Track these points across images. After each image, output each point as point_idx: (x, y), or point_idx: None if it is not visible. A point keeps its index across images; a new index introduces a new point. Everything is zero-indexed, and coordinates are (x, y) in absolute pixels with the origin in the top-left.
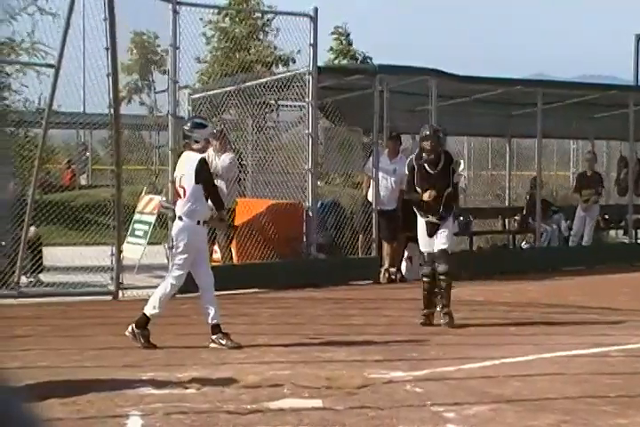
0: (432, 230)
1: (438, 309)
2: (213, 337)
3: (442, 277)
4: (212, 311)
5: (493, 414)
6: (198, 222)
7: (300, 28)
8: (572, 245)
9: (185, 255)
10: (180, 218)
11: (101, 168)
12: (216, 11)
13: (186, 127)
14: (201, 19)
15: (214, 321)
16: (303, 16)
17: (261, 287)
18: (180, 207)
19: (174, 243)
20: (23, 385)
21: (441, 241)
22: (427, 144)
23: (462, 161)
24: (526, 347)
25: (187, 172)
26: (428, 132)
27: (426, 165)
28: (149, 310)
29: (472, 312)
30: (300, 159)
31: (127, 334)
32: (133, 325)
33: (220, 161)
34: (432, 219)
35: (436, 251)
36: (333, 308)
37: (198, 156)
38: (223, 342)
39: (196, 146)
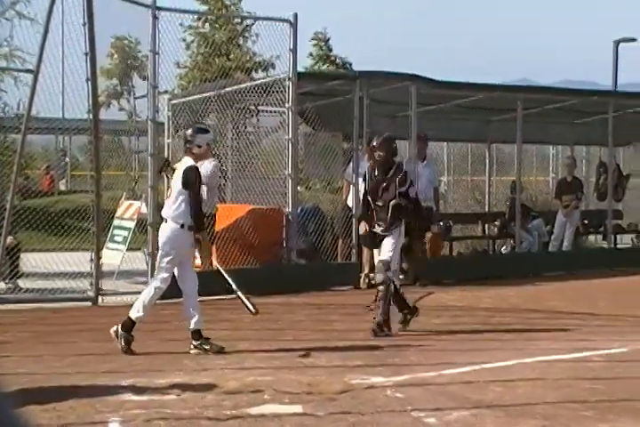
0: (378, 242)
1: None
2: (195, 343)
3: (379, 287)
4: (195, 317)
5: (474, 420)
6: (182, 226)
7: (279, 34)
8: (552, 249)
9: (169, 257)
10: (166, 221)
11: (81, 173)
12: (196, 16)
13: (188, 132)
14: (181, 24)
15: (196, 327)
16: (283, 22)
17: (242, 293)
18: (166, 210)
19: (159, 246)
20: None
21: (384, 251)
22: (377, 154)
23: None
24: (507, 352)
25: (177, 175)
26: (375, 143)
27: (375, 175)
28: (134, 313)
29: (453, 318)
30: (281, 165)
31: (111, 332)
32: (119, 326)
33: (202, 168)
34: (378, 230)
35: (377, 260)
36: (314, 313)
37: (192, 162)
38: (207, 347)
39: (197, 151)
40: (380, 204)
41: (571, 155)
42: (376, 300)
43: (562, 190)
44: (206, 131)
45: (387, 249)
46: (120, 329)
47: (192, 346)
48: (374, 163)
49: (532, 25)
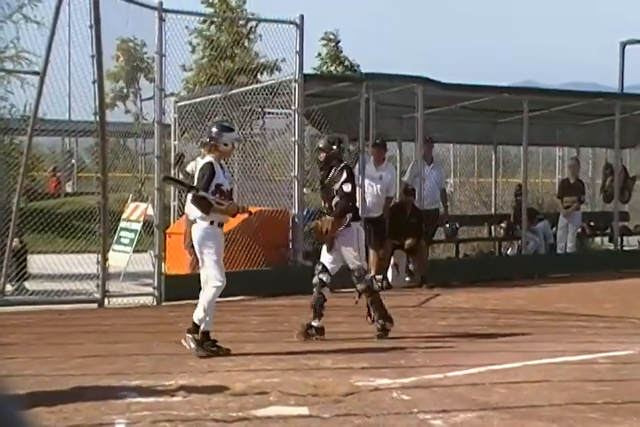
0: (330, 244)
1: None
2: (189, 336)
3: (365, 294)
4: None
5: (480, 422)
6: (212, 223)
7: (285, 35)
8: (559, 252)
9: (212, 254)
10: (195, 221)
11: (87, 175)
12: (201, 19)
13: (214, 130)
14: (186, 27)
15: (202, 326)
16: (289, 24)
17: (248, 295)
18: (191, 211)
19: (197, 248)
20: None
21: (350, 260)
22: (321, 156)
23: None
24: (513, 354)
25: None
26: (320, 145)
27: (321, 176)
28: (196, 318)
29: (459, 319)
30: (287, 167)
31: (184, 344)
32: (187, 334)
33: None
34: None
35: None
36: None
37: (208, 159)
38: (192, 345)
39: (223, 148)
40: (327, 205)
41: (575, 157)
42: (369, 310)
43: (564, 191)
44: (232, 129)
45: (351, 258)
46: (189, 335)
47: (189, 340)
48: (319, 165)
49: (536, 26)
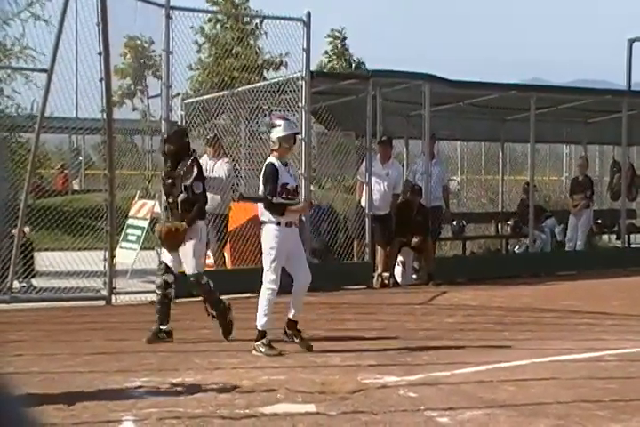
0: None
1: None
2: (257, 344)
3: (203, 298)
4: (292, 312)
5: (487, 419)
6: (279, 224)
7: (292, 32)
8: (566, 249)
9: (270, 257)
10: (263, 222)
11: (94, 173)
12: (207, 19)
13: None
14: (192, 27)
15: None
16: (296, 21)
17: (255, 292)
18: (260, 212)
19: (263, 247)
20: (19, 390)
21: (187, 264)
22: (166, 147)
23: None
24: (520, 352)
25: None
26: (168, 135)
27: (166, 169)
28: (260, 322)
29: (466, 317)
30: (294, 164)
31: (255, 352)
32: (255, 343)
33: (217, 168)
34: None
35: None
36: (327, 313)
37: (269, 160)
38: (262, 350)
39: (277, 147)
40: (170, 200)
41: (584, 155)
42: (160, 304)
43: (574, 190)
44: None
45: (188, 262)
46: (259, 342)
47: (258, 347)
48: (164, 156)
49: (544, 23)
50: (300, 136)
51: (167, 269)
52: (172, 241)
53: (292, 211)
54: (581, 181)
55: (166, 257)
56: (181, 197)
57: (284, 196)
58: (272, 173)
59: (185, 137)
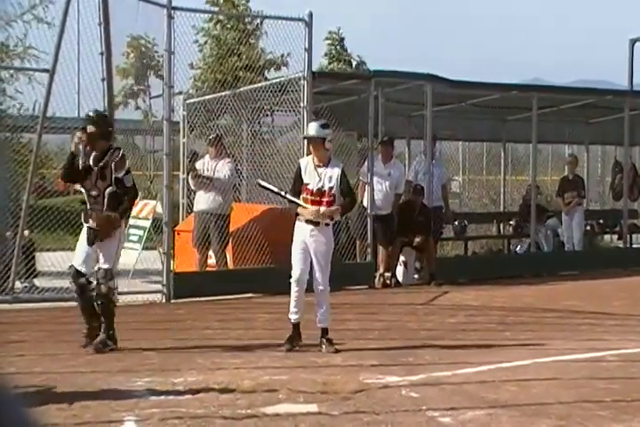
0: (93, 238)
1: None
2: (323, 340)
3: (99, 301)
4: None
5: (489, 419)
6: (299, 219)
7: (294, 33)
8: (567, 249)
9: (292, 247)
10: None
11: None
12: (207, 18)
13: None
14: (193, 26)
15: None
16: (298, 21)
17: (257, 292)
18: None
19: None
20: (20, 390)
21: (105, 256)
22: (89, 130)
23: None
24: (522, 352)
25: None
26: (91, 114)
27: (86, 160)
28: (290, 316)
29: (468, 317)
30: (296, 164)
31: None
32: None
33: (219, 168)
34: (92, 225)
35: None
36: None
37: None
38: (327, 346)
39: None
40: (94, 193)
41: (573, 153)
42: (81, 308)
43: (563, 188)
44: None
45: (106, 256)
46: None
47: (324, 344)
48: (85, 146)
49: (545, 23)
50: (302, 135)
51: (78, 273)
52: (105, 232)
53: (303, 211)
54: (572, 180)
55: (76, 260)
56: (109, 189)
57: (304, 195)
58: (295, 172)
59: (111, 125)
